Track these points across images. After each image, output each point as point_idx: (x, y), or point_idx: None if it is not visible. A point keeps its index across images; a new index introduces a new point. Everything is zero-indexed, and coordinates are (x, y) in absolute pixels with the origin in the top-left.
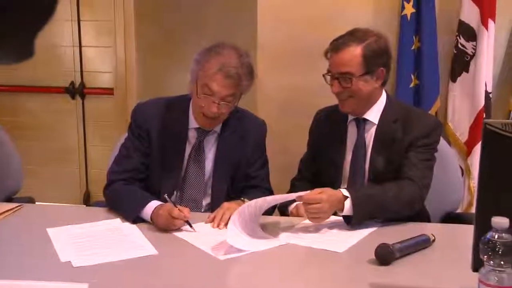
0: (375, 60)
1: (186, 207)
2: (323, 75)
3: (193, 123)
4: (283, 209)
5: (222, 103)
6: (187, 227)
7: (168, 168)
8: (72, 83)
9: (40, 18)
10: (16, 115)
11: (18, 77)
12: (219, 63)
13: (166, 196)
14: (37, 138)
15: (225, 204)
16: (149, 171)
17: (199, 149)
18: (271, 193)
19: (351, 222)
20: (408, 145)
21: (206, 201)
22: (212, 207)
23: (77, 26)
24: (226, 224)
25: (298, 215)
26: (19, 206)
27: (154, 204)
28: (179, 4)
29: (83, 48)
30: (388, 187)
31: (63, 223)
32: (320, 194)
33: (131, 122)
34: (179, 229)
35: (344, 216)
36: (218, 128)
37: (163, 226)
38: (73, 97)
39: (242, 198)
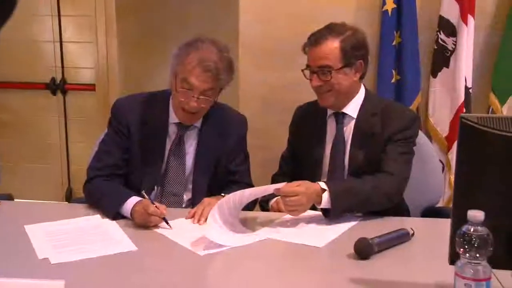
0: (354, 52)
1: (167, 202)
2: (302, 70)
3: (173, 118)
4: (263, 204)
5: (201, 98)
6: (163, 224)
7: (149, 163)
8: (53, 79)
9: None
10: None
11: None
12: (198, 57)
13: (143, 192)
14: (18, 134)
15: (206, 200)
16: (129, 166)
17: (179, 144)
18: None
19: (329, 215)
20: (387, 139)
21: (187, 196)
22: (193, 202)
23: (58, 21)
24: (206, 220)
25: (278, 210)
26: None
27: (134, 200)
28: (161, 0)
29: (64, 44)
30: (366, 180)
31: (41, 220)
32: (298, 187)
33: (110, 118)
34: (156, 226)
35: (322, 209)
36: (198, 123)
37: (140, 223)
38: (54, 93)
39: (223, 194)
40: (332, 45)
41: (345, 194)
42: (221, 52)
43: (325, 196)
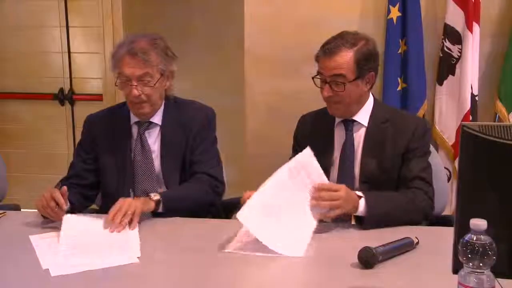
0: (366, 64)
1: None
2: (313, 78)
3: (133, 118)
4: None
5: (140, 84)
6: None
7: (119, 168)
8: (61, 90)
9: None
10: (5, 122)
11: (7, 83)
12: (127, 48)
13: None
14: (26, 145)
15: (122, 201)
16: (104, 176)
17: (142, 142)
18: (209, 177)
19: (364, 224)
20: (406, 151)
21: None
22: None
23: (66, 32)
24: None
25: None
26: (2, 213)
27: None
28: (167, 12)
29: (72, 55)
30: (402, 194)
31: (47, 230)
32: (340, 192)
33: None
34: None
35: (356, 218)
36: (159, 120)
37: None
38: (62, 104)
39: (149, 194)
40: (346, 57)
41: (381, 203)
42: (153, 40)
43: (362, 202)
